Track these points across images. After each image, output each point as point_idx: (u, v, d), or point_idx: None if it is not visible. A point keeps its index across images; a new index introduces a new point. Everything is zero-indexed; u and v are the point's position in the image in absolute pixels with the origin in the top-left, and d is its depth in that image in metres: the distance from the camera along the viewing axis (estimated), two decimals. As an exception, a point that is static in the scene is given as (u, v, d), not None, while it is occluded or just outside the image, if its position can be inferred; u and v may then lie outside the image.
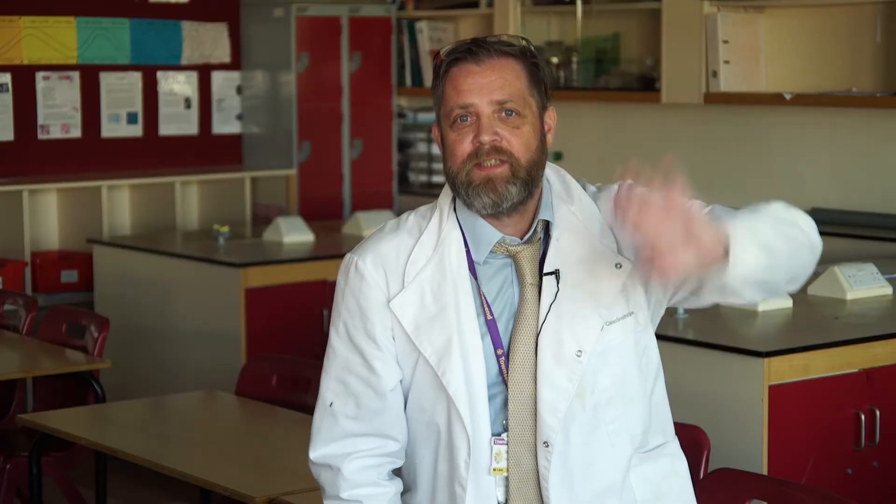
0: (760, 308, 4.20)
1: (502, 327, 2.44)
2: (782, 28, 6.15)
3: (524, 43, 2.45)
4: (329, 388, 2.52)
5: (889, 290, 4.50)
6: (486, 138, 2.37)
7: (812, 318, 4.18)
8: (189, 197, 7.16)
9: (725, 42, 6.06)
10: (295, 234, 6.18)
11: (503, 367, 2.43)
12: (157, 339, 6.05)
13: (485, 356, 2.43)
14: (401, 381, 2.49)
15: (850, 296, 4.41)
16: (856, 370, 3.91)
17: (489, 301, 2.45)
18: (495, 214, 2.42)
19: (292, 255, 5.92)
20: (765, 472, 3.63)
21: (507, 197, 2.39)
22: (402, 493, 2.54)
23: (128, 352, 6.05)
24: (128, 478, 5.40)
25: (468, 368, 2.41)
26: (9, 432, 4.86)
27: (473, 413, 2.41)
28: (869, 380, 3.92)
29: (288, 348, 5.57)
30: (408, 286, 2.44)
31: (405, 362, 2.47)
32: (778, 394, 3.73)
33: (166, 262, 5.99)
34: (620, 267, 2.43)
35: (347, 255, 2.54)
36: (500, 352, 2.43)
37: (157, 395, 5.02)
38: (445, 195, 2.50)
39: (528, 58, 2.44)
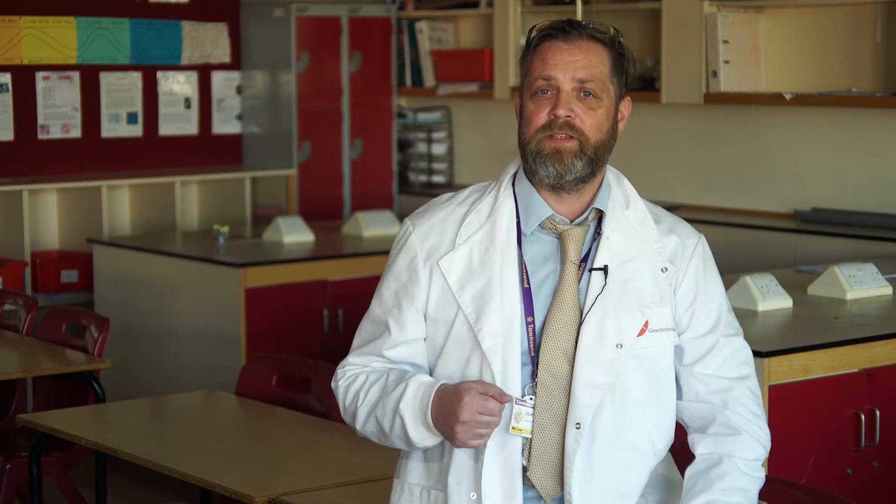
0: (760, 308, 4.20)
1: (539, 299, 2.55)
2: (782, 28, 6.15)
3: (613, 32, 2.59)
4: (359, 343, 2.66)
5: (889, 290, 4.50)
6: (561, 112, 2.50)
7: (812, 318, 4.18)
8: (189, 197, 7.16)
9: (725, 42, 6.06)
10: (295, 234, 6.18)
11: (531, 335, 2.53)
12: (157, 339, 6.05)
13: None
14: (424, 340, 2.60)
15: (850, 296, 4.41)
16: (856, 370, 3.91)
17: (529, 272, 2.56)
18: (555, 189, 2.53)
19: (292, 255, 5.92)
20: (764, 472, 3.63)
21: (572, 170, 2.51)
22: (413, 458, 2.64)
23: (128, 352, 6.05)
24: (128, 478, 5.40)
25: (504, 329, 2.52)
26: (9, 432, 4.86)
27: (504, 372, 2.51)
28: (869, 380, 3.92)
29: (288, 348, 5.57)
30: (458, 247, 2.58)
31: (441, 323, 2.58)
32: (778, 394, 3.73)
33: (166, 262, 5.99)
34: (666, 271, 2.56)
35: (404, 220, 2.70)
36: (529, 319, 2.54)
37: (157, 395, 5.02)
38: (507, 171, 2.63)
39: (616, 47, 2.58)
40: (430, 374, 2.60)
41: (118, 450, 3.62)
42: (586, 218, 2.57)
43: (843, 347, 3.89)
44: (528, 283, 2.55)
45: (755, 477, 2.57)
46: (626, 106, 2.60)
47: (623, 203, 2.60)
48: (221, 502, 3.80)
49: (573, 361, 2.51)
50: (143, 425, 3.99)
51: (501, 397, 2.43)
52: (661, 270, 2.56)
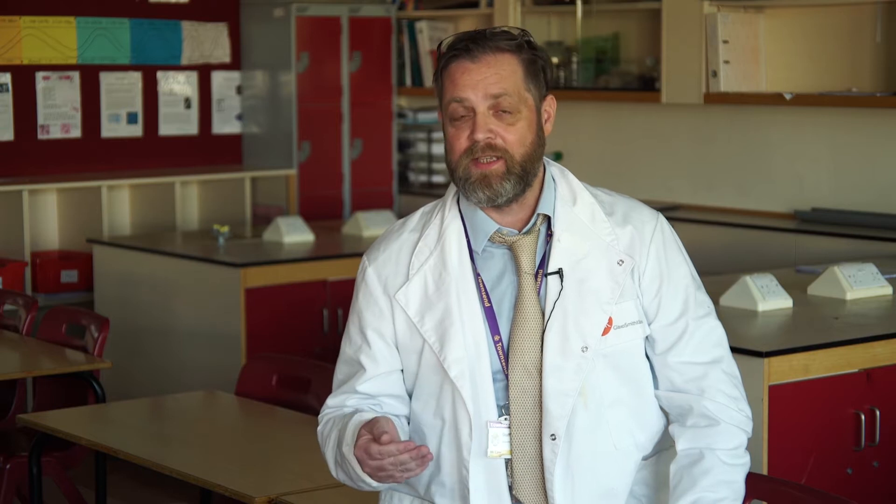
0: (760, 308, 4.20)
1: (502, 316, 2.52)
2: (782, 28, 6.15)
3: (521, 35, 2.51)
4: (338, 382, 2.68)
5: (889, 290, 4.50)
6: (480, 136, 2.46)
7: (812, 318, 4.18)
8: (189, 197, 7.16)
9: (725, 42, 6.06)
10: (295, 234, 6.18)
11: (500, 353, 2.51)
12: (157, 339, 6.05)
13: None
14: (402, 371, 2.59)
15: (850, 296, 4.41)
16: (856, 370, 3.91)
17: (488, 289, 2.52)
18: (495, 206, 2.50)
19: (292, 255, 5.92)
20: (765, 472, 3.63)
21: (502, 193, 2.48)
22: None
23: (128, 352, 6.05)
24: (128, 478, 5.41)
25: (470, 353, 2.49)
26: (9, 432, 4.86)
27: (476, 396, 2.49)
28: (869, 380, 3.92)
29: (288, 348, 5.57)
30: (412, 277, 2.54)
31: (411, 352, 2.56)
32: (778, 394, 3.73)
33: (166, 262, 5.99)
34: (623, 263, 2.51)
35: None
36: (496, 338, 2.51)
37: (157, 395, 5.02)
38: (451, 188, 2.60)
39: (526, 51, 2.50)
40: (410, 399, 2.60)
41: (118, 450, 3.62)
42: (534, 224, 2.54)
43: (843, 347, 3.88)
44: (490, 302, 2.52)
45: (739, 465, 2.55)
46: (550, 104, 2.55)
47: (570, 199, 2.56)
48: (221, 502, 3.80)
49: (541, 373, 2.48)
50: (143, 425, 3.99)
51: (380, 438, 2.39)
52: (618, 263, 2.51)
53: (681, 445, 2.55)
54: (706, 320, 2.58)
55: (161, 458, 3.53)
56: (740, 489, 2.54)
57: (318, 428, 2.64)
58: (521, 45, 2.50)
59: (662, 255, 2.56)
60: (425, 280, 2.53)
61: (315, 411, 3.94)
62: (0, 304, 5.29)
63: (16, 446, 4.68)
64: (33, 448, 4.05)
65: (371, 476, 2.44)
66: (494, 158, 2.46)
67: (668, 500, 2.57)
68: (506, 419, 2.50)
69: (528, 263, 2.51)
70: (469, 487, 2.50)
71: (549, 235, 2.53)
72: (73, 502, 4.64)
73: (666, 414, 2.59)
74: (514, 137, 2.47)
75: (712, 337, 2.58)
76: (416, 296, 2.54)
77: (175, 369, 5.94)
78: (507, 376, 2.50)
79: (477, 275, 2.53)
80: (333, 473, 2.60)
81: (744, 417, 2.56)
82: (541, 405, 2.48)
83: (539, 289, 2.51)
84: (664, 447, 2.63)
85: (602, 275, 2.51)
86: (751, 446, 2.62)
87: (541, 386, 2.48)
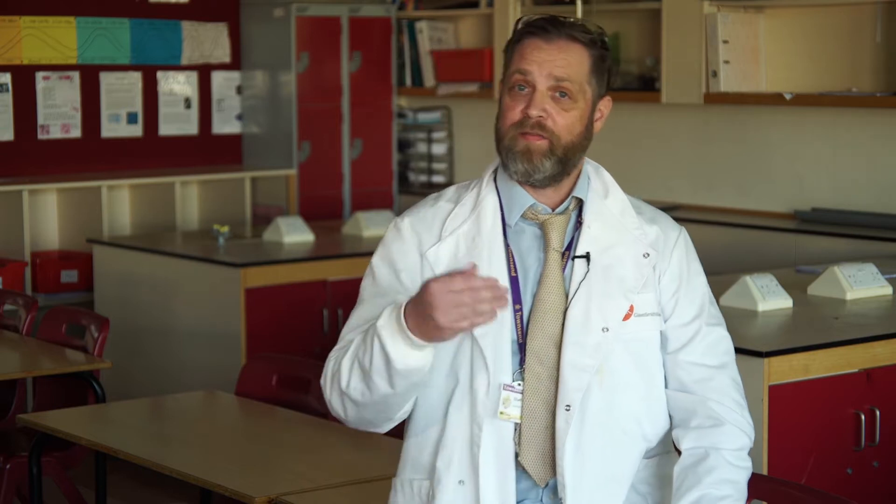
0: (760, 308, 4.20)
1: (526, 288, 2.58)
2: (782, 28, 6.15)
3: (597, 32, 2.58)
4: (348, 330, 2.61)
5: (889, 290, 4.50)
6: (533, 112, 2.53)
7: (812, 318, 4.18)
8: (189, 197, 7.16)
9: (725, 42, 6.06)
10: (295, 234, 6.18)
11: (518, 323, 2.56)
12: (157, 339, 6.05)
13: None
14: None
15: (850, 296, 4.41)
16: (856, 370, 3.91)
17: (515, 261, 2.59)
18: (530, 183, 2.57)
19: (292, 255, 5.93)
20: (765, 472, 3.63)
21: (541, 169, 2.54)
22: (406, 450, 2.65)
23: (128, 352, 6.05)
24: (128, 478, 5.41)
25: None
26: (9, 432, 4.86)
27: (496, 357, 2.53)
28: (869, 380, 3.92)
29: (288, 348, 5.57)
30: (445, 238, 2.60)
31: None
32: (778, 394, 3.74)
33: (166, 262, 5.99)
34: (648, 256, 2.59)
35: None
36: (517, 307, 2.56)
37: (157, 395, 5.02)
38: (489, 167, 2.67)
39: (597, 48, 2.57)
40: None
41: (118, 450, 3.62)
42: (567, 207, 2.60)
43: (843, 347, 3.89)
44: (516, 272, 2.58)
45: (743, 467, 2.58)
46: (605, 105, 2.62)
47: (602, 192, 2.64)
48: (221, 502, 3.80)
49: (560, 346, 2.53)
50: (143, 425, 3.99)
51: (466, 271, 2.35)
52: (644, 256, 2.59)
53: (685, 445, 2.58)
54: (717, 328, 2.65)
55: (161, 458, 3.53)
56: (744, 490, 2.57)
57: (329, 366, 2.57)
58: (595, 41, 2.57)
59: (684, 260, 2.64)
60: (457, 243, 2.59)
61: (315, 411, 3.94)
62: (0, 304, 5.29)
63: (16, 446, 4.68)
64: (33, 448, 4.05)
65: (440, 322, 2.34)
66: (541, 136, 2.52)
67: (671, 497, 2.58)
68: (519, 384, 2.54)
69: (556, 241, 2.58)
70: (480, 445, 2.52)
71: (580, 222, 2.60)
72: (73, 502, 4.64)
73: (670, 418, 2.62)
74: (564, 122, 2.53)
75: (722, 344, 2.65)
76: (446, 256, 2.59)
77: (175, 369, 5.94)
78: (520, 346, 2.55)
79: (507, 245, 2.59)
80: (344, 383, 2.52)
81: (747, 423, 2.62)
82: (557, 378, 2.53)
83: (564, 268, 2.57)
84: (668, 449, 2.65)
85: (628, 264, 2.58)
86: (751, 447, 2.63)
87: (559, 359, 2.53)
